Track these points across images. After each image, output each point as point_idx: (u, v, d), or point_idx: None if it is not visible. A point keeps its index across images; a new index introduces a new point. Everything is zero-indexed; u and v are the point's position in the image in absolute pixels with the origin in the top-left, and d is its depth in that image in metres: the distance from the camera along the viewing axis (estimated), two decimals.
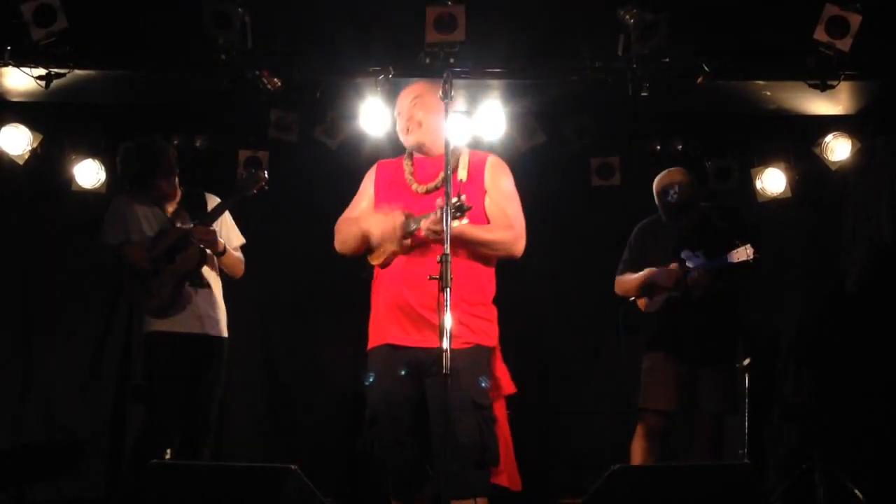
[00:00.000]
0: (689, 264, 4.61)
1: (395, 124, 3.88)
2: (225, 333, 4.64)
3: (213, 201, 4.67)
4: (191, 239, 4.45)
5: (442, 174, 3.56)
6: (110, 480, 5.57)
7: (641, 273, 4.74)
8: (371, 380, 3.60)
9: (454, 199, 3.31)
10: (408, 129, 3.72)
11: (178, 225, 4.52)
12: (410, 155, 3.80)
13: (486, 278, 3.72)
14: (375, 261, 3.69)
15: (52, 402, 5.70)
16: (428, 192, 3.65)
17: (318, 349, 5.94)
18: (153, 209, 4.58)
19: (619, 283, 4.87)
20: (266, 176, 4.58)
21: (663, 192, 4.68)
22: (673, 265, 4.63)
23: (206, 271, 4.59)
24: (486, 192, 3.66)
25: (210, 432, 4.57)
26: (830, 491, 4.94)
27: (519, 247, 3.69)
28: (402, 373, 3.54)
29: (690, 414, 4.71)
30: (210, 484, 3.46)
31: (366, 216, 3.71)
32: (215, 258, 4.60)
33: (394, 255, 3.61)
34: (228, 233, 4.72)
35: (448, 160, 3.39)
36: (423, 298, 3.50)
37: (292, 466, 3.41)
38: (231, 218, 4.76)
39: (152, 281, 4.46)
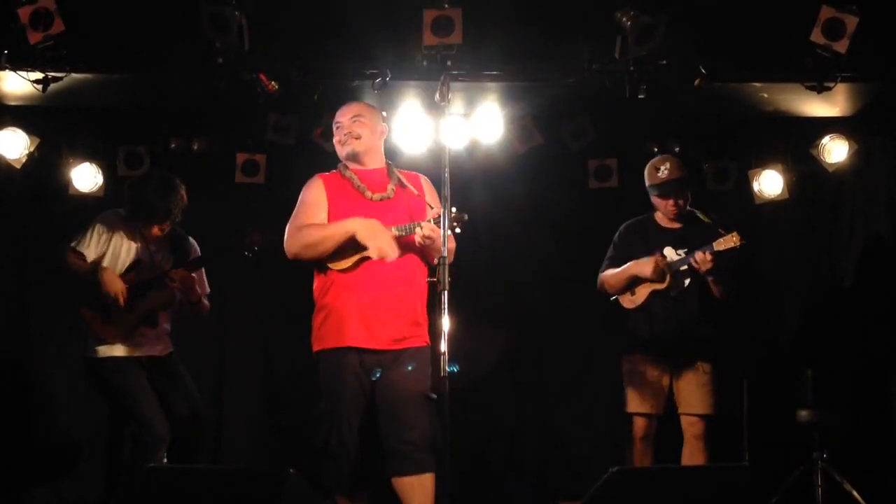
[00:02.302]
0: (672, 259, 4.65)
1: (386, 129, 4.27)
2: (172, 351, 4.70)
3: (193, 245, 4.78)
4: (167, 280, 4.49)
5: (391, 185, 4.04)
6: (109, 483, 5.56)
7: (623, 267, 4.76)
8: (377, 375, 3.85)
9: (455, 211, 3.66)
10: (344, 141, 4.08)
11: (158, 261, 4.58)
12: (346, 167, 4.11)
13: (426, 281, 4.06)
14: (341, 266, 3.91)
15: (50, 404, 5.69)
16: (382, 199, 4.01)
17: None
18: (137, 239, 4.61)
19: (602, 279, 4.90)
20: (256, 245, 4.64)
21: (654, 169, 4.76)
22: (655, 255, 4.66)
23: (163, 314, 4.64)
24: (426, 206, 4.04)
25: (203, 437, 4.61)
26: (829, 492, 4.94)
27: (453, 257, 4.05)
28: (376, 376, 3.85)
29: (676, 415, 4.72)
30: (209, 487, 3.47)
31: (344, 220, 3.92)
32: (174, 304, 4.62)
33: (361, 260, 3.86)
34: (204, 283, 4.80)
35: (447, 160, 3.52)
36: (389, 303, 3.86)
37: (291, 469, 3.41)
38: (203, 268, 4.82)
39: (115, 309, 4.47)
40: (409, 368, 3.78)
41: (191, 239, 4.84)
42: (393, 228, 3.86)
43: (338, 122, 4.15)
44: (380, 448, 3.85)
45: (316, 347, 3.96)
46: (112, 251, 4.56)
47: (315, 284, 4.04)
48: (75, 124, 5.65)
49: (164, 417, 4.45)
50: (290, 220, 4.06)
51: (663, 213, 4.85)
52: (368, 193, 4.00)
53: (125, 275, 4.52)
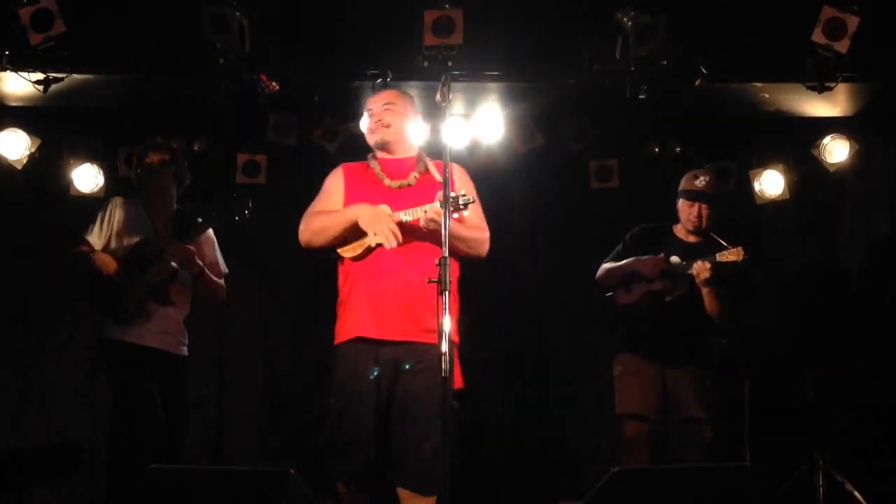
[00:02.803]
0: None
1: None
2: (184, 353, 4.63)
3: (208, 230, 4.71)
4: (165, 254, 4.45)
5: (414, 173, 3.90)
6: (109, 484, 5.56)
7: (626, 261, 4.76)
8: (375, 373, 3.67)
9: (460, 194, 3.58)
10: (374, 129, 3.96)
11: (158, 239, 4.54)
12: (374, 157, 4.00)
13: (455, 275, 3.84)
14: (350, 253, 3.80)
15: (50, 406, 5.70)
16: (401, 187, 3.88)
17: (318, 352, 5.92)
18: (142, 219, 4.59)
19: (602, 268, 4.88)
20: (247, 209, 4.61)
21: (693, 177, 4.76)
22: (660, 256, 4.65)
23: (174, 291, 4.56)
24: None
25: (182, 441, 4.56)
26: (830, 493, 4.93)
27: (487, 247, 3.90)
28: (373, 375, 3.67)
29: (672, 419, 4.71)
30: (209, 488, 3.46)
31: (349, 207, 3.84)
32: (188, 280, 4.57)
33: (369, 248, 3.74)
34: (217, 261, 4.73)
35: (447, 161, 3.37)
36: (400, 291, 3.68)
37: (291, 470, 3.40)
38: (217, 246, 4.76)
39: (118, 288, 4.45)
40: (407, 367, 3.63)
41: (200, 220, 4.72)
42: (400, 213, 3.73)
43: (369, 109, 4.03)
44: (388, 448, 3.69)
45: (335, 342, 3.84)
46: (116, 233, 4.54)
47: (338, 279, 3.92)
48: (76, 125, 5.66)
49: (156, 409, 4.42)
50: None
51: (684, 223, 4.81)
52: (387, 181, 3.89)
53: (129, 253, 4.49)
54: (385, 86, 4.92)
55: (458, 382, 3.72)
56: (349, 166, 4.03)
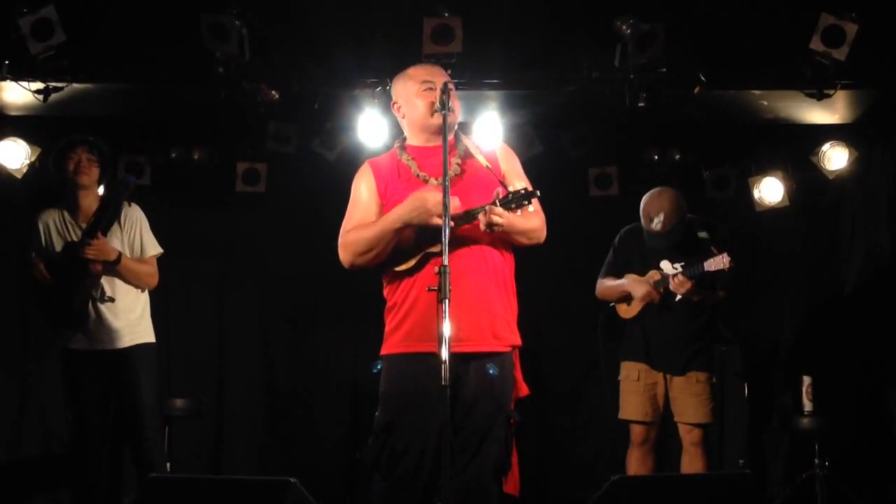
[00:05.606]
0: (667, 273, 4.64)
1: (393, 125, 3.52)
2: (138, 341, 4.52)
3: (135, 211, 4.60)
4: (82, 255, 4.35)
5: (456, 160, 3.39)
6: (110, 494, 5.56)
7: (619, 281, 4.75)
8: (378, 367, 3.36)
9: (521, 189, 3.17)
10: (436, 111, 3.32)
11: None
12: (403, 149, 3.46)
13: (511, 269, 3.48)
14: (402, 267, 3.34)
15: (49, 415, 5.68)
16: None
17: (317, 360, 5.93)
18: (66, 223, 4.56)
19: (599, 287, 4.89)
20: (133, 181, 4.56)
21: (648, 219, 4.63)
22: (651, 273, 4.64)
23: (111, 283, 4.49)
24: (504, 178, 3.37)
25: (144, 438, 4.53)
26: (831, 500, 4.93)
27: (545, 233, 3.48)
28: (376, 369, 3.36)
29: (674, 425, 4.72)
30: (210, 497, 3.47)
31: (389, 212, 3.34)
32: (117, 268, 4.46)
33: (424, 258, 3.29)
34: (144, 243, 4.59)
35: (446, 166, 3.17)
36: (472, 299, 3.25)
37: (291, 479, 3.40)
38: (147, 226, 4.64)
39: (56, 297, 4.45)
40: (491, 372, 3.24)
41: (122, 184, 4.61)
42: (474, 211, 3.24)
43: (429, 82, 3.41)
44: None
45: (382, 351, 3.39)
46: (46, 243, 4.53)
47: (383, 280, 3.45)
48: (76, 134, 5.65)
49: (89, 425, 4.46)
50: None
51: None
52: (433, 181, 3.33)
53: (58, 263, 4.45)
54: (384, 94, 4.92)
55: (522, 390, 3.47)
56: (376, 163, 3.48)
